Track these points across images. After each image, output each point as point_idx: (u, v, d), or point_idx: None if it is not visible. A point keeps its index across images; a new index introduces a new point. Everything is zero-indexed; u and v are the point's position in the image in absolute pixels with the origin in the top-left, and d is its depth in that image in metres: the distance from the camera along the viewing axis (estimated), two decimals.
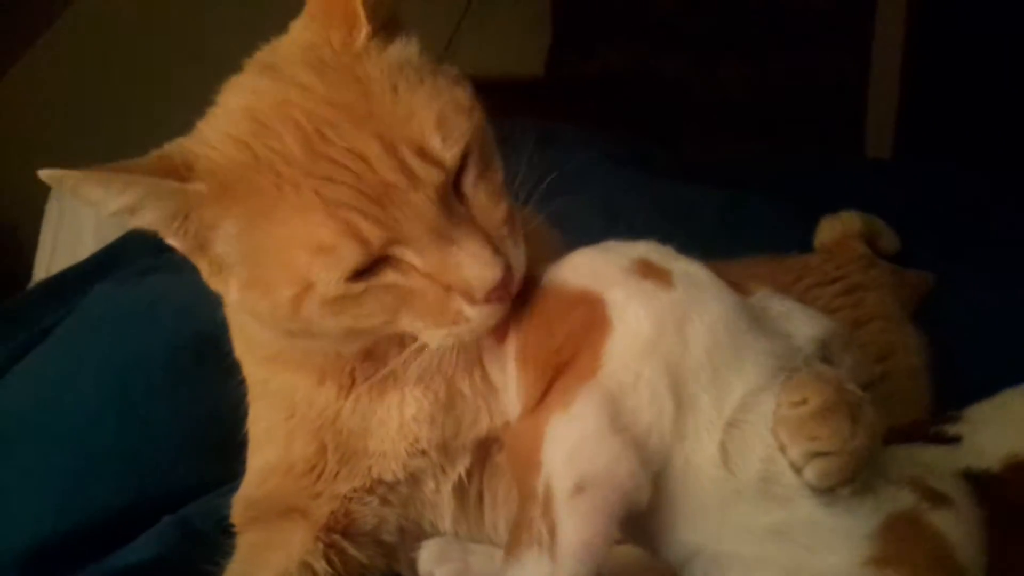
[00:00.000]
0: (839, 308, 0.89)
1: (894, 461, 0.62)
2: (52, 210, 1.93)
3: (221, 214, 0.63)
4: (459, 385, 0.75)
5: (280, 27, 0.72)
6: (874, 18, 2.82)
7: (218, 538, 0.80)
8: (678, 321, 0.62)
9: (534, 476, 0.59)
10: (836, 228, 1.20)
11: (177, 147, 0.65)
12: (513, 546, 0.59)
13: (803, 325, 0.67)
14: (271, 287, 0.63)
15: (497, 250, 0.64)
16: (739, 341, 0.63)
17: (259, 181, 0.61)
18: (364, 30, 0.65)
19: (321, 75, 0.63)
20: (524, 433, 0.63)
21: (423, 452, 0.75)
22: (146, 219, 0.63)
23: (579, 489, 0.57)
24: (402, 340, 0.70)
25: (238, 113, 0.65)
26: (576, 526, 0.56)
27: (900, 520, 0.58)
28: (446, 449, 0.76)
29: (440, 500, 0.78)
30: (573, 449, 0.58)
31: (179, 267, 1.23)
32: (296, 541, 0.75)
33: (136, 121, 2.57)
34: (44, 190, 1.96)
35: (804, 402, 0.58)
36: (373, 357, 0.73)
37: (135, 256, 1.45)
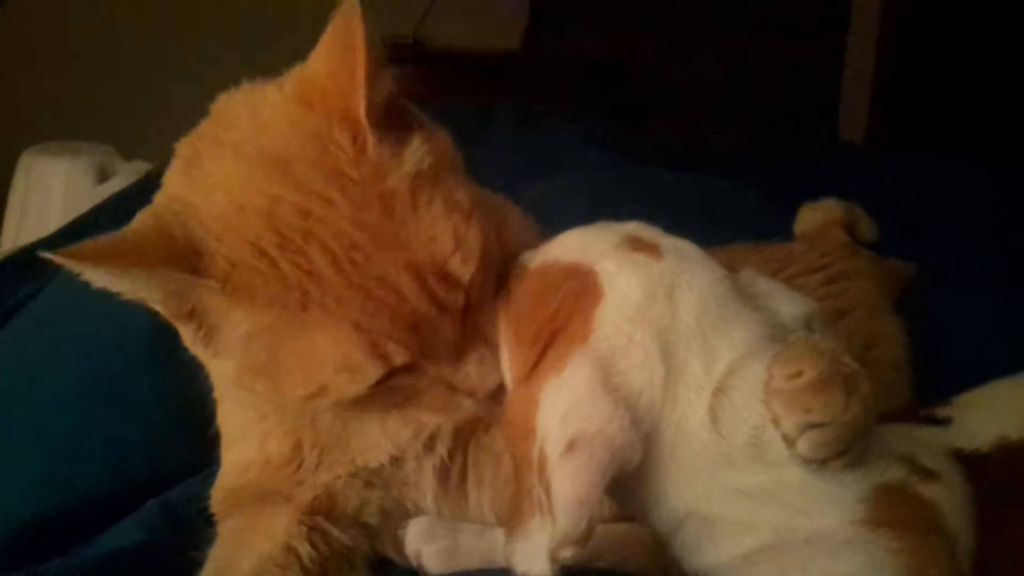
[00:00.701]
0: (823, 297, 0.89)
1: (886, 437, 0.62)
2: (19, 182, 1.89)
3: (232, 310, 0.62)
4: None
5: None
6: (850, 6, 2.85)
7: (200, 525, 0.79)
8: (668, 288, 0.63)
9: (529, 444, 0.60)
10: (816, 216, 1.21)
11: (175, 219, 0.62)
12: (516, 518, 0.60)
13: (787, 303, 0.69)
14: (280, 381, 0.64)
15: (496, 353, 0.68)
16: (727, 309, 0.64)
17: (284, 295, 0.61)
18: (371, 139, 0.63)
19: (342, 189, 0.62)
20: (518, 403, 0.64)
21: (406, 443, 0.76)
22: (146, 296, 0.63)
23: (571, 447, 0.57)
24: None
25: (253, 215, 0.62)
26: (568, 482, 0.57)
27: (891, 488, 0.59)
28: (428, 438, 0.77)
29: (422, 479, 0.78)
30: (566, 410, 0.59)
31: None
32: (279, 524, 0.75)
33: (102, 88, 2.53)
34: (10, 161, 1.92)
35: (799, 374, 0.58)
36: None
37: (107, 229, 1.42)
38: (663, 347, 0.61)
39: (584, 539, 0.57)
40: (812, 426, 0.57)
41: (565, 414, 0.59)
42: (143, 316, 1.00)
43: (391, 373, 0.64)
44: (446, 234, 0.64)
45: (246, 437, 0.78)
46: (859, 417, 0.57)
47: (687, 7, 3.08)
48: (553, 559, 0.57)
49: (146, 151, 1.90)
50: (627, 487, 0.61)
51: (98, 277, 0.60)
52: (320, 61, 0.65)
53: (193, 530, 0.79)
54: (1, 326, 1.16)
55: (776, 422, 0.58)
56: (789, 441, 0.58)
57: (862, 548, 0.57)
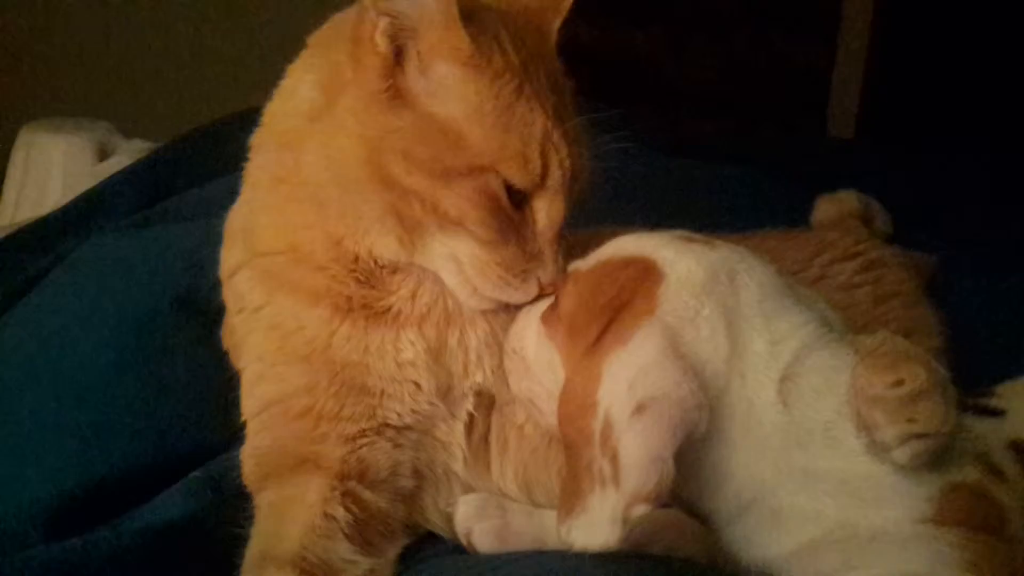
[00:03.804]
0: (860, 284, 0.90)
1: (961, 434, 0.63)
2: (18, 156, 1.85)
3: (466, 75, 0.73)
4: (449, 338, 0.78)
5: None
6: (842, 2, 2.87)
7: (243, 498, 0.79)
8: (729, 273, 0.65)
9: (589, 418, 0.61)
10: (833, 207, 1.22)
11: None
12: (574, 498, 0.60)
13: (828, 308, 0.71)
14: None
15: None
16: (785, 298, 0.66)
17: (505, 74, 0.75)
18: None
19: None
20: (577, 379, 0.65)
21: (428, 400, 0.78)
22: None
23: (640, 408, 0.59)
24: (404, 269, 0.77)
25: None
26: (640, 439, 0.58)
27: (963, 488, 0.61)
28: (447, 395, 0.78)
29: (452, 442, 0.80)
30: (635, 376, 0.60)
31: (179, 217, 1.20)
32: (313, 491, 0.75)
33: (102, 66, 2.50)
34: (9, 137, 1.89)
35: (900, 383, 0.58)
36: (372, 284, 0.77)
37: (115, 207, 1.40)
38: (728, 324, 0.63)
39: (656, 496, 0.58)
40: (914, 436, 0.58)
41: (633, 379, 0.60)
42: (169, 292, 1.00)
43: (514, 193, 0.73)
44: None
45: (264, 378, 0.80)
46: (955, 426, 0.58)
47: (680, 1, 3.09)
48: (625, 519, 0.58)
49: (146, 130, 1.88)
50: (692, 464, 0.62)
51: None
52: None
53: (237, 503, 0.79)
54: (15, 296, 1.14)
55: (875, 428, 0.59)
56: (885, 448, 0.59)
57: (927, 545, 0.58)
